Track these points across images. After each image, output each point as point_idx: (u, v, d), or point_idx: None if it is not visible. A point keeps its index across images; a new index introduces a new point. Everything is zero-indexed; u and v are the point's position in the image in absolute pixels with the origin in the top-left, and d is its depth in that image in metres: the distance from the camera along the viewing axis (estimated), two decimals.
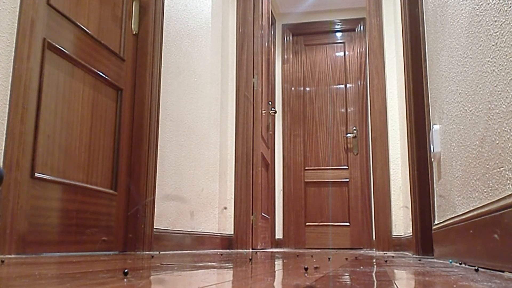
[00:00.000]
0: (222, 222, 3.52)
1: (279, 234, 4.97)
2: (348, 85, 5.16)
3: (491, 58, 1.16)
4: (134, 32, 2.48)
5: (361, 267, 1.24)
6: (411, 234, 2.62)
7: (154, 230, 2.40)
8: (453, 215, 1.66)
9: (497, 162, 1.13)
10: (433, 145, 2.03)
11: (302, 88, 5.25)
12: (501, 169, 1.10)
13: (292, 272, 1.01)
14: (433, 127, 2.06)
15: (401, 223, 3.65)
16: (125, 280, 0.76)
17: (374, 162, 3.87)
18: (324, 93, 5.20)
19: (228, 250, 3.31)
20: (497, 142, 1.13)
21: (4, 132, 1.54)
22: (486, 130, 1.22)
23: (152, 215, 2.39)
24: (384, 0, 4.06)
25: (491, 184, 1.19)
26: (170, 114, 2.71)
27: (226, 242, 3.52)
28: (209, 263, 1.35)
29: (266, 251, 3.38)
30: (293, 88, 5.26)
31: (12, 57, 1.59)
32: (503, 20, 1.07)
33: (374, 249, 4.01)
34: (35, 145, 1.71)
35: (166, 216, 2.59)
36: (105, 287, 0.65)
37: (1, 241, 1.50)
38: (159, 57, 2.57)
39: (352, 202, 4.90)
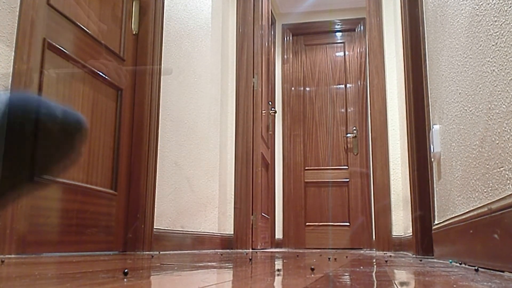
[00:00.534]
0: (222, 222, 3.52)
1: (279, 234, 4.97)
2: (348, 85, 5.16)
3: (491, 58, 1.16)
4: (134, 32, 2.48)
5: (361, 267, 1.24)
6: (411, 234, 2.62)
7: (154, 230, 2.40)
8: (453, 215, 1.66)
9: (497, 162, 1.13)
10: (433, 145, 2.03)
11: (302, 88, 5.25)
12: (501, 169, 1.10)
13: (292, 272, 1.01)
14: (433, 127, 2.06)
15: (401, 223, 3.65)
16: (125, 280, 0.76)
17: (374, 162, 3.87)
18: (324, 93, 5.20)
19: (228, 250, 3.31)
20: (497, 142, 1.13)
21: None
22: (486, 130, 1.22)
23: (152, 215, 2.39)
24: (384, 0, 4.06)
25: (491, 184, 1.19)
26: (170, 114, 2.71)
27: (226, 242, 3.52)
28: (209, 263, 1.36)
29: (266, 251, 3.38)
30: (293, 88, 5.25)
31: (12, 57, 1.59)
32: (503, 20, 1.07)
33: (374, 249, 4.01)
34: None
35: (166, 216, 2.59)
36: (105, 287, 0.65)
37: (1, 241, 1.50)
38: (159, 57, 2.57)
39: (352, 202, 4.90)
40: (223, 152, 3.62)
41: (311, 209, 4.99)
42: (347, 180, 4.95)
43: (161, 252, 2.33)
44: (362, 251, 3.85)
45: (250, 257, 1.89)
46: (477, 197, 1.34)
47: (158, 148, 2.51)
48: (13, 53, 1.59)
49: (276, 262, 1.52)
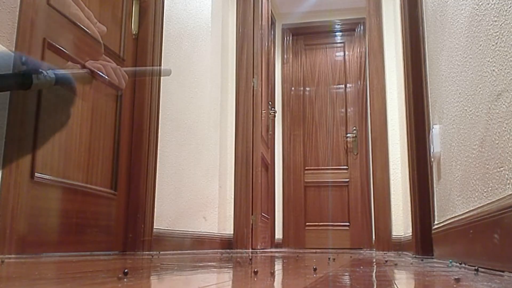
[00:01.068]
0: (222, 223, 3.52)
1: (279, 235, 4.97)
2: (348, 86, 5.16)
3: (491, 58, 1.16)
4: (134, 33, 2.48)
5: (361, 267, 1.24)
6: (411, 234, 2.62)
7: (154, 230, 2.40)
8: (453, 216, 1.66)
9: (497, 162, 1.13)
10: (433, 145, 2.03)
11: (302, 89, 5.25)
12: (501, 169, 1.10)
13: (292, 272, 1.01)
14: (433, 128, 2.06)
15: (401, 223, 3.65)
16: (125, 280, 0.76)
17: (374, 162, 3.87)
18: (324, 94, 5.20)
19: (228, 251, 3.31)
20: (497, 142, 1.13)
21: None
22: (486, 130, 1.22)
23: (152, 215, 2.39)
24: (384, 0, 4.06)
25: (491, 185, 1.19)
26: (170, 114, 2.71)
27: (226, 242, 3.52)
28: (209, 264, 1.35)
29: (266, 252, 3.38)
30: (293, 89, 5.25)
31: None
32: (503, 21, 1.07)
33: (374, 250, 4.01)
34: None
35: (166, 216, 2.59)
36: (105, 287, 0.65)
37: (1, 242, 1.50)
38: (159, 58, 2.57)
39: (352, 203, 4.90)
40: (223, 152, 3.62)
41: (311, 209, 4.99)
42: (347, 180, 4.95)
43: (161, 253, 2.33)
44: (362, 252, 3.85)
45: (250, 258, 1.89)
46: (477, 198, 1.34)
47: (158, 148, 2.51)
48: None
49: (276, 262, 1.52)
